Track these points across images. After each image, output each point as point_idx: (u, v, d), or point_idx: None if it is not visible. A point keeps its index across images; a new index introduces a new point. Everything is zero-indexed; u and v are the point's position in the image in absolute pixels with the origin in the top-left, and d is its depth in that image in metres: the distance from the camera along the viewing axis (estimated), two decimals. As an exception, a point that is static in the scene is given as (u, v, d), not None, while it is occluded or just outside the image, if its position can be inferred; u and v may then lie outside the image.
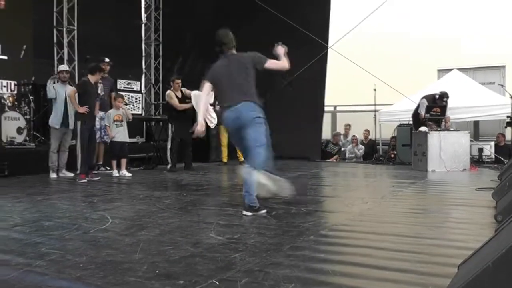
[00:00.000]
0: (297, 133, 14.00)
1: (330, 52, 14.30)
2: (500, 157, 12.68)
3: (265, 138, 5.65)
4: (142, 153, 12.30)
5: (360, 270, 3.42)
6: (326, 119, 16.70)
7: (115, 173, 10.06)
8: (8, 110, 10.41)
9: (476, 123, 16.36)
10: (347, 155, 15.53)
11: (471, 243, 3.86)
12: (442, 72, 17.12)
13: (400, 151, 13.10)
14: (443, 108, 11.57)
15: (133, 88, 14.45)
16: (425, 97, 11.85)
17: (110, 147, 10.35)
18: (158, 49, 15.82)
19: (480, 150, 13.49)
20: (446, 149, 10.72)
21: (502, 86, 14.75)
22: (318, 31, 13.74)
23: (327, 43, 14.21)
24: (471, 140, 12.10)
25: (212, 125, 10.11)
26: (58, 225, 5.05)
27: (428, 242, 4.23)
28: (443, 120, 11.57)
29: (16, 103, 10.73)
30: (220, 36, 5.83)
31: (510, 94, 12.47)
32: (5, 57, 11.39)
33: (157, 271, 3.39)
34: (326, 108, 15.93)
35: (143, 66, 15.76)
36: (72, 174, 9.67)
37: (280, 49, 5.87)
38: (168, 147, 11.10)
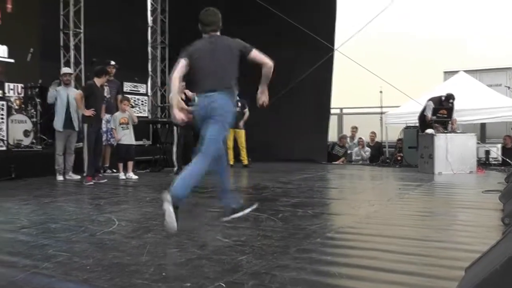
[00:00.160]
0: (304, 136, 14.02)
1: (336, 54, 14.30)
2: (507, 160, 12.61)
3: (218, 146, 5.01)
4: (149, 156, 12.32)
5: (366, 273, 3.41)
6: (333, 122, 16.68)
7: (122, 175, 10.07)
8: (15, 113, 10.46)
9: (483, 125, 16.28)
10: (353, 158, 15.50)
11: (478, 246, 3.84)
12: (449, 74, 17.04)
13: (407, 153, 13.08)
14: (450, 110, 11.54)
15: (139, 90, 14.51)
16: (431, 99, 11.83)
17: (116, 150, 10.37)
18: (164, 52, 15.86)
19: (487, 152, 13.43)
20: (453, 152, 10.70)
21: (509, 88, 14.73)
22: (324, 34, 13.74)
23: (333, 46, 14.21)
24: (477, 142, 12.06)
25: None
26: (65, 227, 5.07)
27: (435, 245, 4.22)
28: (450, 122, 11.54)
29: (23, 106, 10.78)
30: (207, 14, 5.18)
31: (516, 96, 12.43)
32: (12, 60, 11.43)
33: (163, 274, 3.39)
34: (332, 111, 15.94)
35: (149, 69, 15.80)
36: (78, 177, 9.70)
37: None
38: (174, 150, 11.09)
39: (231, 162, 12.79)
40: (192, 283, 3.18)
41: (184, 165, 11.10)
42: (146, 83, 15.32)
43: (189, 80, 6.42)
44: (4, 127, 9.70)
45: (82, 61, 12.70)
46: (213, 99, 4.87)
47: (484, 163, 12.72)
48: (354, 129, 16.59)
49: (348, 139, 16.00)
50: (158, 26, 15.64)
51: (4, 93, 10.36)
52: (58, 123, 9.74)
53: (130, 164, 10.23)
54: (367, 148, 15.40)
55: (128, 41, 14.02)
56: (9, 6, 11.54)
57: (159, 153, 12.30)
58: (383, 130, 15.21)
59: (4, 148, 9.69)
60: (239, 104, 12.31)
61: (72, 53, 12.58)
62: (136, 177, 10.00)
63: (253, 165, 12.83)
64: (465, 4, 17.88)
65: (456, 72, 15.78)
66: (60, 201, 6.96)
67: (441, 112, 11.50)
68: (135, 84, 14.14)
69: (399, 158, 13.54)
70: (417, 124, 12.48)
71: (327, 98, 14.77)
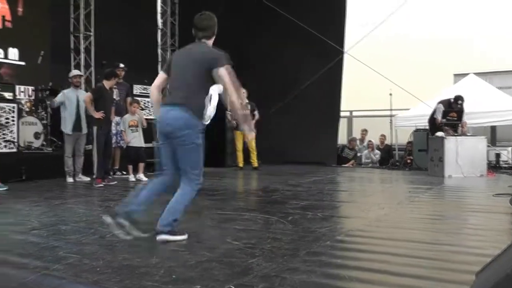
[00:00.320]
0: (313, 138, 14.01)
1: (345, 57, 14.28)
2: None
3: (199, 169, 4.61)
4: (158, 158, 12.32)
5: (376, 276, 3.40)
6: (342, 124, 16.65)
7: (131, 177, 10.10)
8: (25, 115, 10.54)
9: (493, 128, 16.22)
10: (363, 160, 15.46)
11: (489, 250, 3.83)
12: (459, 76, 17.00)
13: (417, 156, 13.04)
14: (460, 113, 11.50)
15: (149, 93, 14.51)
16: (441, 102, 11.79)
17: (126, 152, 10.40)
18: (174, 54, 15.87)
19: (497, 155, 13.37)
20: (463, 155, 10.65)
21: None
22: (333, 36, 13.73)
23: (342, 48, 14.20)
24: (488, 145, 12.02)
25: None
26: (75, 229, 5.09)
27: (445, 249, 4.20)
28: (460, 125, 11.50)
29: (33, 108, 10.85)
30: (201, 18, 4.72)
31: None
32: (23, 63, 11.51)
33: (173, 276, 3.40)
34: (342, 113, 15.91)
35: (159, 71, 15.81)
36: (88, 179, 9.74)
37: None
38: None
39: (241, 165, 12.83)
40: (202, 286, 3.18)
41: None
42: (155, 85, 15.33)
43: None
44: (15, 129, 9.75)
45: (92, 64, 12.77)
46: (173, 115, 4.47)
47: (494, 166, 12.65)
48: (364, 131, 16.54)
49: (358, 142, 15.96)
50: (168, 28, 15.67)
51: (15, 95, 10.41)
52: (68, 125, 9.78)
53: (141, 166, 10.24)
54: (376, 151, 15.36)
55: (138, 44, 14.04)
56: (20, 9, 11.61)
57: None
58: (393, 133, 15.17)
59: (14, 150, 9.74)
60: (249, 107, 12.33)
61: (82, 55, 12.65)
62: (146, 179, 10.01)
63: (263, 167, 12.83)
64: (474, 6, 17.83)
65: (466, 74, 15.73)
66: (70, 203, 6.99)
67: (451, 115, 11.46)
68: (145, 86, 14.16)
69: (409, 161, 13.50)
70: (427, 127, 12.44)
71: (337, 100, 14.75)
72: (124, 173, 10.59)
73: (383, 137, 15.69)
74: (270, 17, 13.40)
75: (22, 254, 4.01)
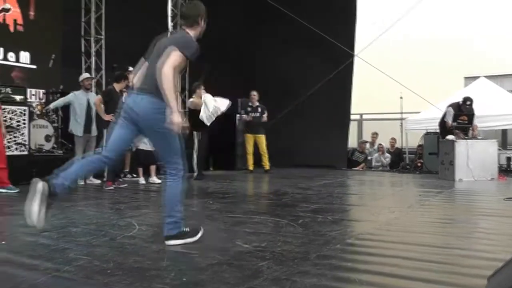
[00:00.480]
0: (324, 142, 14.02)
1: (356, 60, 14.28)
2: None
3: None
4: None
5: (387, 280, 3.39)
6: (352, 128, 16.65)
7: (142, 180, 10.13)
8: (36, 118, 10.59)
9: (504, 132, 16.14)
10: (373, 164, 15.44)
11: (500, 254, 3.81)
12: (469, 79, 16.94)
13: (427, 159, 13.01)
14: (470, 116, 11.45)
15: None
16: (451, 105, 11.75)
17: (136, 155, 10.42)
18: (185, 58, 15.90)
19: (508, 159, 13.31)
20: (474, 158, 10.61)
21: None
22: (344, 39, 13.76)
23: (353, 51, 14.20)
24: (499, 149, 11.96)
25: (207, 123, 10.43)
26: (86, 231, 5.10)
27: (456, 253, 4.18)
28: (471, 128, 11.45)
29: (44, 111, 10.90)
30: (187, 7, 4.78)
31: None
32: (34, 66, 11.58)
33: (184, 279, 3.40)
34: (352, 116, 15.91)
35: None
36: (99, 181, 9.76)
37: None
38: (194, 155, 11.11)
39: (251, 168, 12.85)
40: (212, 288, 3.19)
41: (204, 170, 11.30)
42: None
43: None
44: (26, 132, 9.81)
45: (103, 67, 12.83)
46: (138, 100, 4.40)
47: (505, 170, 12.61)
48: (374, 135, 16.53)
49: (368, 145, 15.94)
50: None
51: (26, 98, 10.46)
52: (78, 128, 9.82)
53: (153, 168, 10.26)
54: (387, 154, 15.33)
55: (148, 47, 14.07)
56: (32, 13, 11.69)
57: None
58: (403, 136, 15.14)
59: (26, 153, 9.79)
60: (259, 109, 12.34)
61: (93, 59, 12.72)
62: (159, 181, 10.01)
63: (273, 170, 12.83)
64: (486, 10, 17.76)
65: (477, 77, 15.67)
66: (80, 206, 7.01)
67: (461, 118, 11.41)
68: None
69: (419, 164, 13.47)
70: (438, 130, 12.40)
71: (347, 104, 14.76)
72: (134, 176, 10.62)
73: (393, 140, 15.68)
74: (280, 21, 13.42)
75: (32, 256, 4.02)
